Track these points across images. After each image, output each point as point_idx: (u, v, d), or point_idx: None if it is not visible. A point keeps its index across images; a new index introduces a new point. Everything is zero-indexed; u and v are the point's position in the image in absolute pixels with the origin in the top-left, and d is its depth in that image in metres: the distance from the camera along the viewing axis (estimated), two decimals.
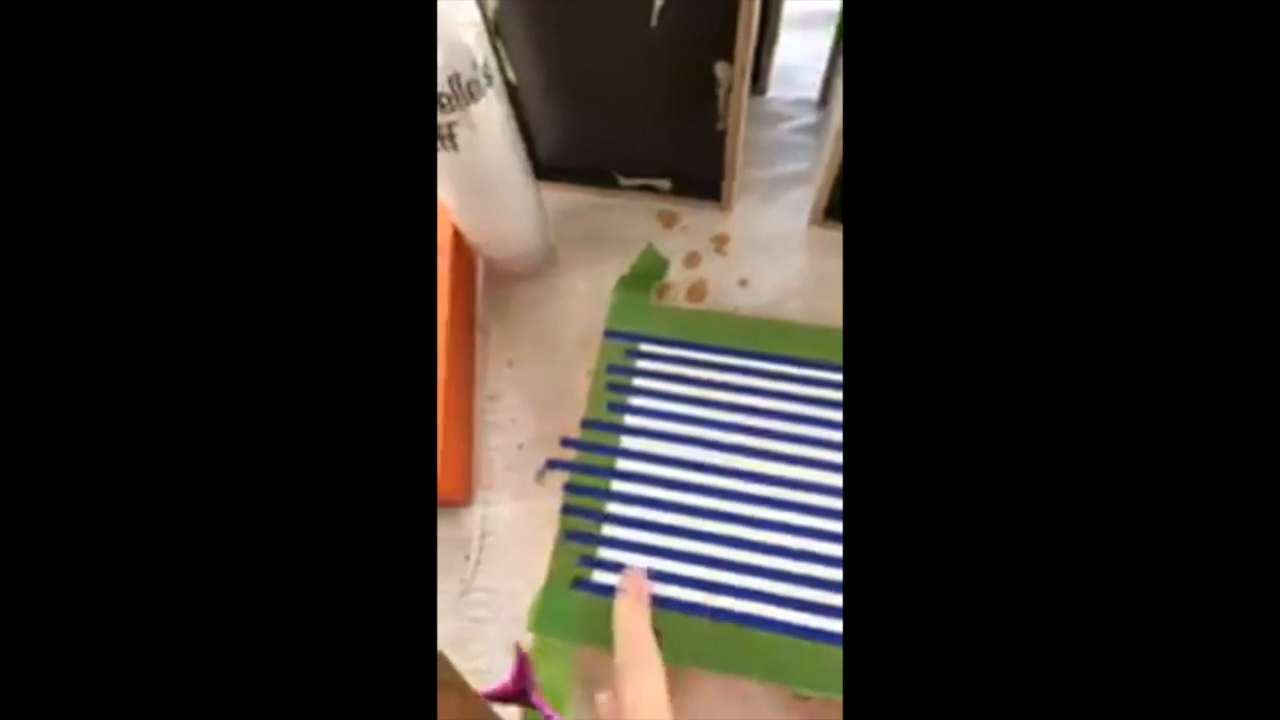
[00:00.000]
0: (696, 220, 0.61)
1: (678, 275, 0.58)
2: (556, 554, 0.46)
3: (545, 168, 0.63)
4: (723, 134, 0.53)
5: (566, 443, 0.50)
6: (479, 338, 0.57)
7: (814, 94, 0.66)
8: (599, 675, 0.46)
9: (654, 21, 0.45)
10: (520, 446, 0.53)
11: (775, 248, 0.59)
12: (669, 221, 0.61)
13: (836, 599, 0.43)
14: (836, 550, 0.45)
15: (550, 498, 0.49)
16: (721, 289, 0.58)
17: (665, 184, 0.60)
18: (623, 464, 0.48)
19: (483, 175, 0.45)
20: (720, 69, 0.48)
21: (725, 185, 0.58)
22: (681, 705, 0.44)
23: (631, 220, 0.61)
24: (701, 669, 0.43)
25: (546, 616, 0.44)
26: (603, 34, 0.48)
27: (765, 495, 0.47)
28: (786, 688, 0.43)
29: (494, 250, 0.55)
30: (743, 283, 0.58)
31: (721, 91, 0.50)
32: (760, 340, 0.52)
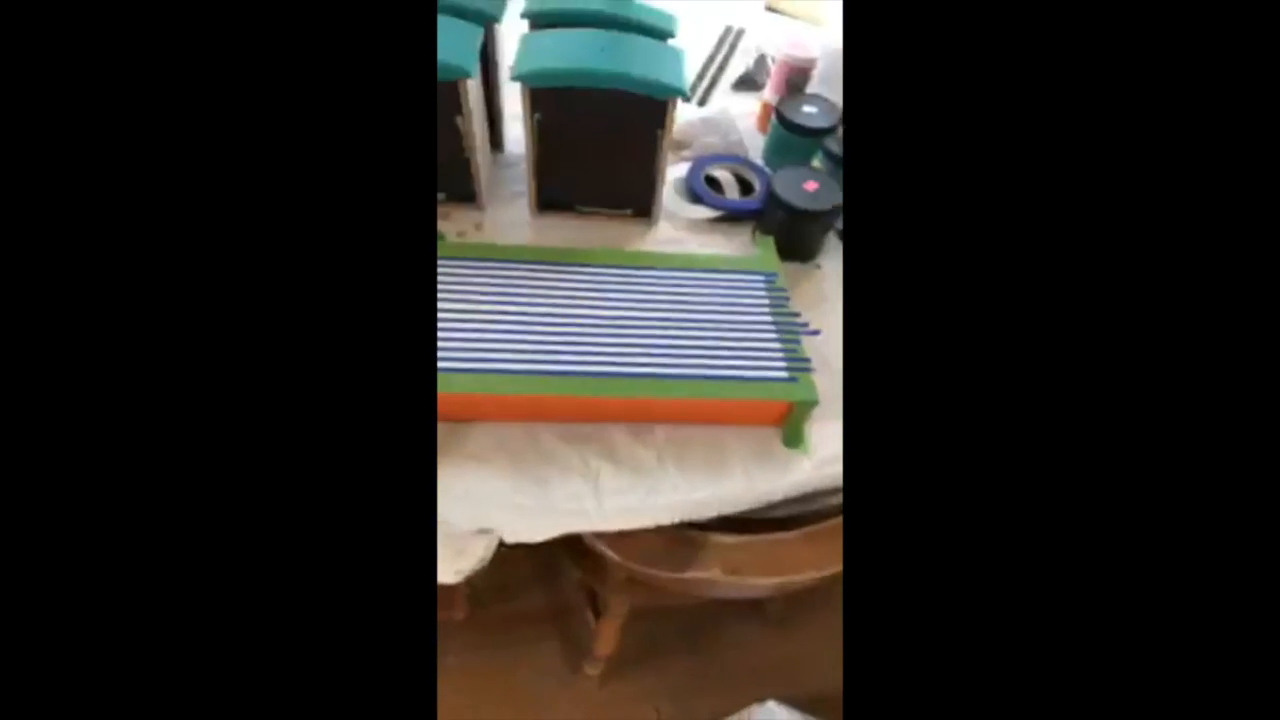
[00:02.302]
0: (458, 213, 0.97)
1: (454, 239, 0.93)
2: None
3: None
4: (467, 161, 0.89)
5: None
6: None
7: None
8: None
9: None
10: None
11: (510, 229, 0.95)
12: (443, 215, 0.97)
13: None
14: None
15: None
16: None
17: (440, 195, 0.96)
18: None
19: None
20: (459, 121, 0.83)
21: (479, 193, 0.95)
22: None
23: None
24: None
25: None
26: None
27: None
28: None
29: None
30: None
31: (464, 139, 0.85)
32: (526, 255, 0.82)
